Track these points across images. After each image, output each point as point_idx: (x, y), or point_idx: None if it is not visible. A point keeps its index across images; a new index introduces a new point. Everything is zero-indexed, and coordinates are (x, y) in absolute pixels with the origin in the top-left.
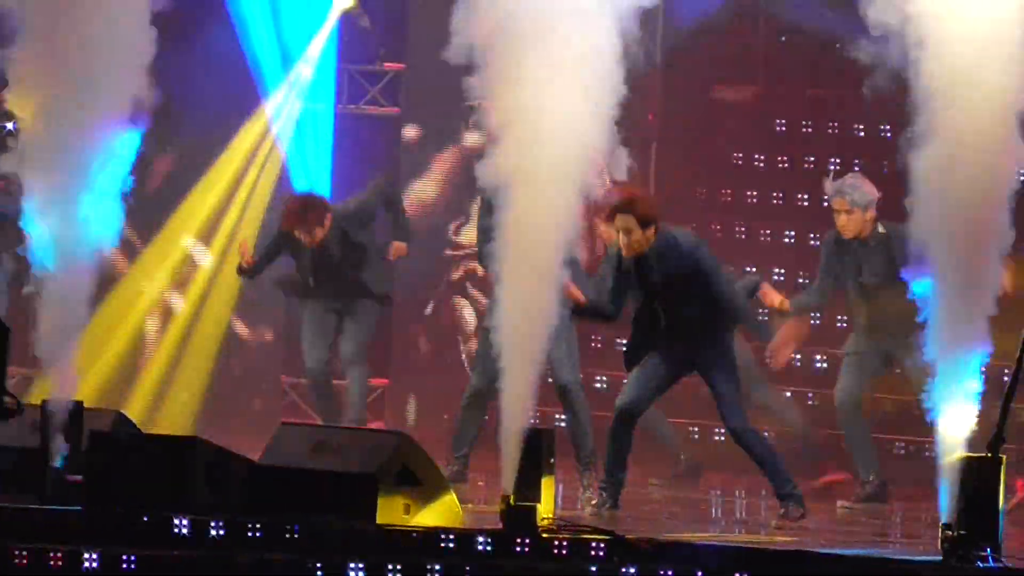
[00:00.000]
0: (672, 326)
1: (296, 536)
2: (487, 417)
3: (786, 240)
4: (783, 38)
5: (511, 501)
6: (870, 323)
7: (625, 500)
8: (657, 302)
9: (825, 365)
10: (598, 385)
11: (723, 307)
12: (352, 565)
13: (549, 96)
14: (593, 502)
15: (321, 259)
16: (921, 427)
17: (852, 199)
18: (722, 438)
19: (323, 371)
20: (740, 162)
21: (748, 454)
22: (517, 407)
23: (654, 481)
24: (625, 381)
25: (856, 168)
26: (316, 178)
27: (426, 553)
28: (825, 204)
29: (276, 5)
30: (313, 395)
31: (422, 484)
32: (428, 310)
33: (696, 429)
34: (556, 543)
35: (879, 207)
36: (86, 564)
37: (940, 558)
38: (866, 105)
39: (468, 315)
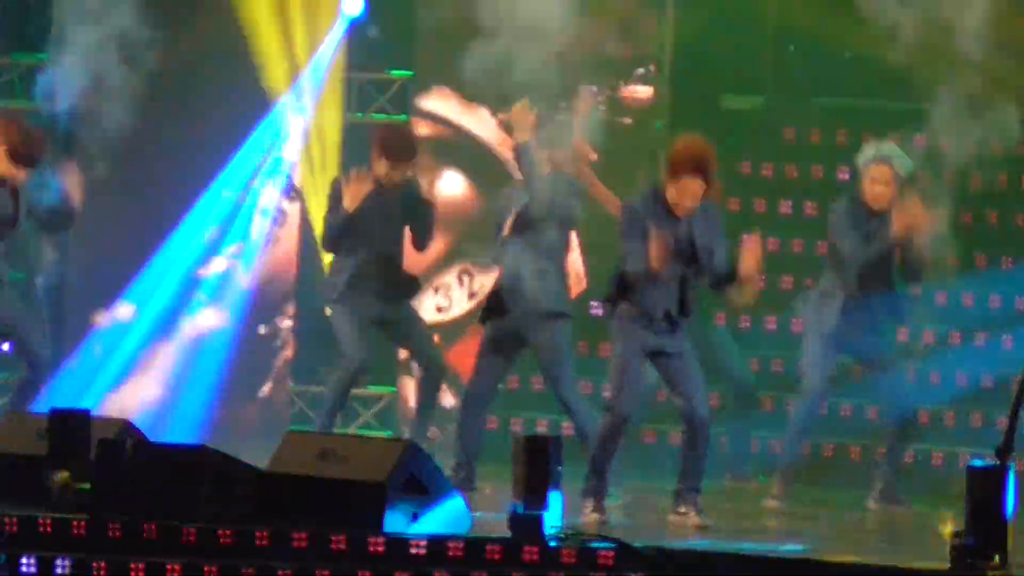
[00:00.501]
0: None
1: (303, 545)
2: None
3: (793, 249)
4: (791, 47)
5: (518, 509)
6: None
7: (633, 507)
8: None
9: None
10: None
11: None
12: (360, 574)
13: None
14: (588, 508)
15: (385, 213)
16: (929, 435)
17: (898, 171)
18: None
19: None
20: (748, 171)
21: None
22: None
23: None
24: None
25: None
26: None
27: (434, 562)
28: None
29: (285, 13)
30: (338, 397)
31: (429, 492)
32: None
33: None
34: (564, 552)
35: None
36: (94, 573)
37: (948, 566)
38: (876, 114)
39: None
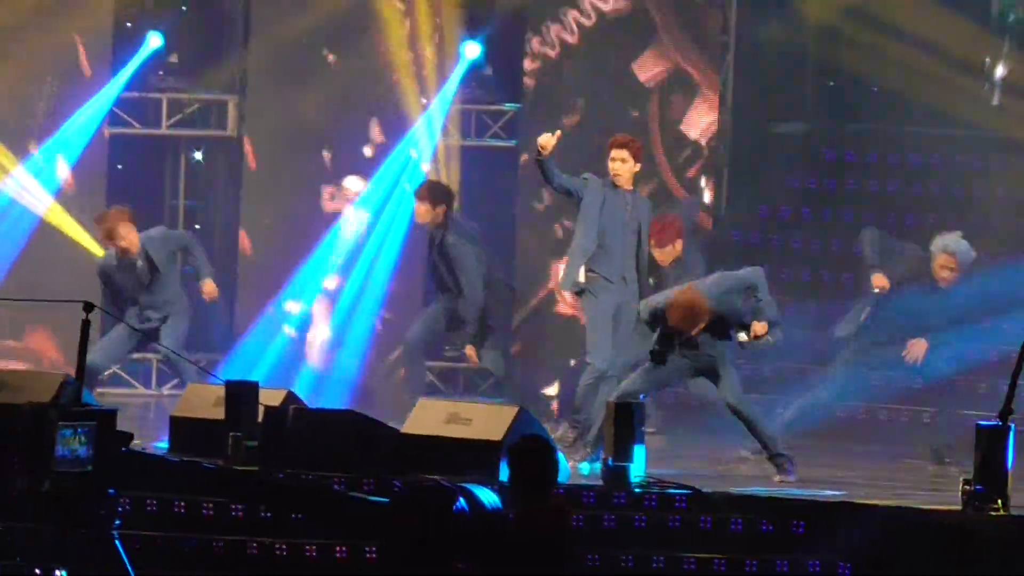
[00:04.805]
0: None
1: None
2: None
3: (833, 248)
4: (831, 82)
5: (610, 462)
6: None
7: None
8: None
9: None
10: None
11: None
12: None
13: None
14: None
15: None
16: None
17: (961, 260)
18: None
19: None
20: (796, 184)
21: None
22: None
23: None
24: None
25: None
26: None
27: None
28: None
29: (420, 57)
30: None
31: None
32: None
33: None
34: (646, 497)
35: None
36: (262, 514)
37: (960, 508)
38: (899, 138)
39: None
